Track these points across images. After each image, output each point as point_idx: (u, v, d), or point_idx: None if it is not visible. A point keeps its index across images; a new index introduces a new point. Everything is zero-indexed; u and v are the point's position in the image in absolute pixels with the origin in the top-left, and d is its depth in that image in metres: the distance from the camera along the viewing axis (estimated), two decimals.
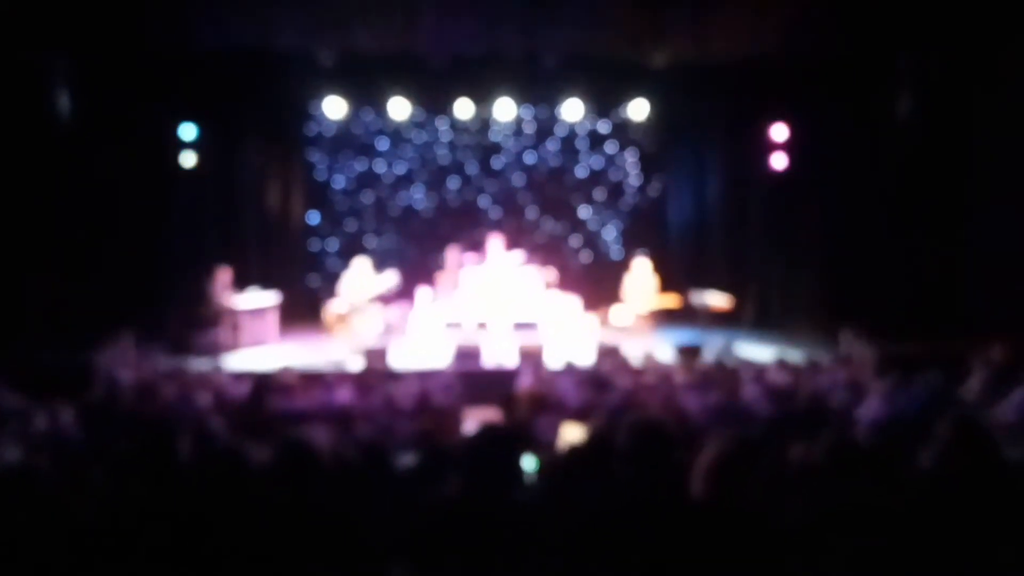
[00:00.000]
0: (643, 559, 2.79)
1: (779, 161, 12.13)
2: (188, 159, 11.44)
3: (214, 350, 10.29)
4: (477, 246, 12.34)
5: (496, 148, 13.73)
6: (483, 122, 13.24)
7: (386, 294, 11.48)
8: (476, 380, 8.58)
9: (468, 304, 11.47)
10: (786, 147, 12.08)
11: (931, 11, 9.87)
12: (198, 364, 9.48)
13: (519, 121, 13.38)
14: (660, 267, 12.12)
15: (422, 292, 11.72)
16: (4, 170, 9.99)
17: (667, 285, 11.99)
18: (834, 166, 11.59)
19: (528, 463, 4.04)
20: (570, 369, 7.97)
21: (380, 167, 13.71)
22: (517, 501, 3.14)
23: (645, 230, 13.66)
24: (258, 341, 11.01)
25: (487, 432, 3.28)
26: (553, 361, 9.18)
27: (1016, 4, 9.42)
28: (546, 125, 13.58)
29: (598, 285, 12.76)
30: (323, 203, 13.69)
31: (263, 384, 6.78)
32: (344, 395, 6.75)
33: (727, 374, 7.96)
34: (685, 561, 2.76)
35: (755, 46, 10.79)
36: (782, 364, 8.15)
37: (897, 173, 11.22)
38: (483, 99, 12.11)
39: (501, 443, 3.21)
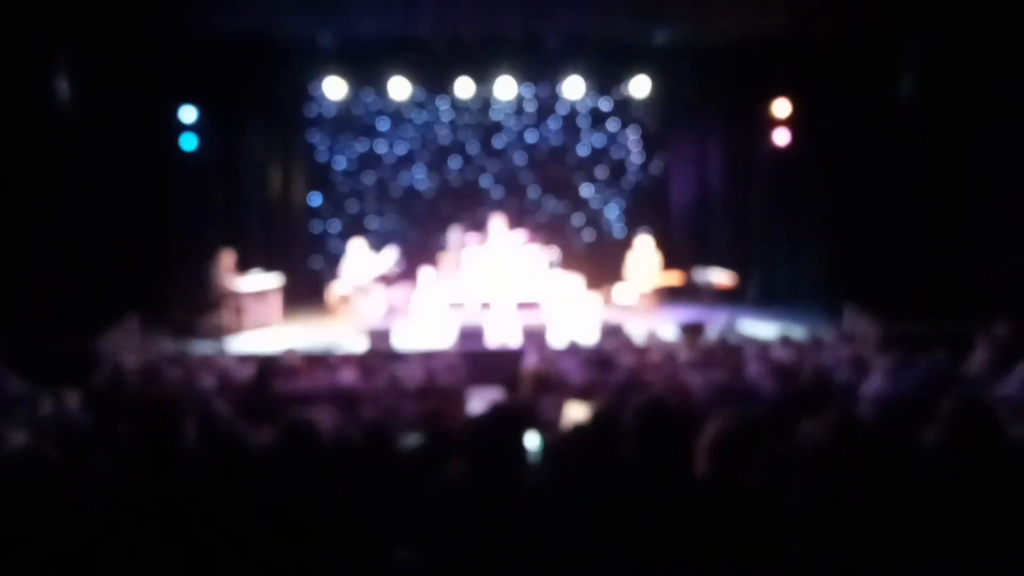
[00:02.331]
0: (647, 537, 2.80)
1: (782, 137, 12.09)
2: (189, 143, 11.42)
3: (218, 333, 10.32)
4: (479, 226, 12.33)
5: (497, 127, 13.67)
6: (484, 101, 13.18)
7: (388, 274, 11.49)
8: (480, 360, 8.59)
9: (471, 284, 11.48)
10: (789, 123, 12.05)
11: None
12: (202, 347, 9.52)
13: (520, 100, 13.32)
14: (663, 245, 12.11)
15: (425, 273, 11.72)
16: (5, 158, 9.97)
17: (670, 263, 11.99)
18: (837, 143, 11.55)
19: (532, 442, 4.05)
20: (573, 348, 7.97)
21: (381, 148, 13.67)
22: (521, 481, 3.14)
23: (648, 208, 13.63)
24: (262, 324, 11.03)
25: (491, 413, 3.29)
26: (556, 340, 9.18)
27: None
28: (547, 103, 13.51)
29: (601, 264, 12.77)
30: (325, 185, 13.67)
31: (267, 367, 6.78)
32: (348, 377, 6.76)
33: (731, 351, 7.95)
34: (690, 539, 2.77)
35: (758, 25, 10.72)
36: (786, 341, 8.16)
37: (901, 151, 11.17)
38: (484, 78, 12.04)
39: (505, 423, 3.22)
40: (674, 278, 11.89)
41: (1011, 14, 9.57)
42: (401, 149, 13.69)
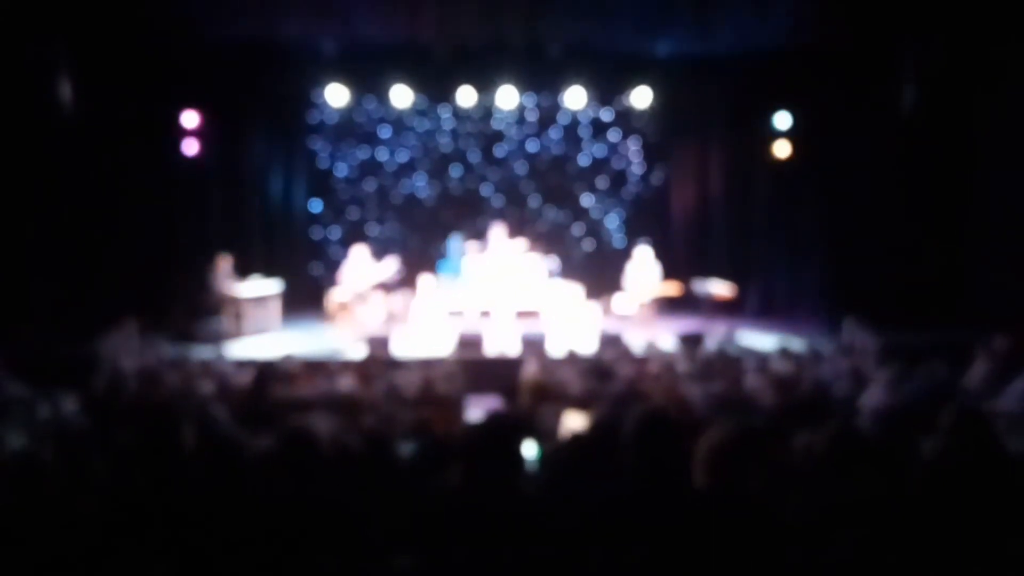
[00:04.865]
0: (645, 548, 2.79)
1: (782, 149, 12.11)
2: (191, 148, 11.44)
3: (217, 338, 10.31)
4: (480, 234, 12.34)
5: (498, 136, 13.69)
6: (485, 110, 13.20)
7: (388, 282, 11.48)
8: (478, 368, 8.59)
9: (471, 293, 11.47)
10: (789, 135, 12.07)
11: (935, 1, 9.84)
12: (201, 352, 9.50)
13: (522, 109, 13.34)
14: (662, 255, 12.09)
15: (425, 280, 11.73)
16: (7, 160, 9.98)
17: (669, 273, 11.97)
18: (837, 154, 11.55)
19: (530, 451, 4.05)
20: (572, 358, 7.97)
21: (382, 155, 13.69)
22: (519, 490, 3.14)
23: (648, 218, 13.64)
24: (261, 329, 11.02)
25: (488, 421, 3.28)
26: (555, 349, 9.17)
27: None
28: (549, 113, 13.54)
29: (600, 274, 12.78)
30: (325, 191, 13.68)
31: (266, 372, 6.77)
32: (347, 383, 6.75)
33: (729, 363, 7.95)
34: (688, 550, 2.77)
35: (759, 36, 10.75)
36: (785, 353, 8.15)
37: (901, 162, 11.19)
38: (485, 87, 12.06)
39: (502, 432, 3.21)
40: (673, 289, 11.87)
41: (1010, 22, 9.60)
42: (402, 157, 13.71)
